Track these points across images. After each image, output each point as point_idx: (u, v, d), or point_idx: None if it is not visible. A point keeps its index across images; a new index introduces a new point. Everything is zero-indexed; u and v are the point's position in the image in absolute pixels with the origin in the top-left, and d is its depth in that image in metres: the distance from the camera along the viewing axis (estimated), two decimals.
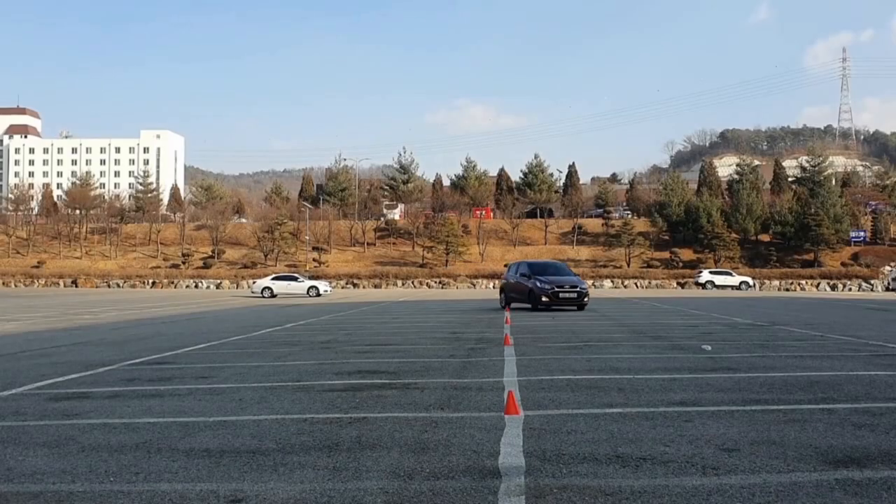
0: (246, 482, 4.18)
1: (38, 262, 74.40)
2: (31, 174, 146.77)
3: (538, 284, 22.40)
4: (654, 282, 64.63)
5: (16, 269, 72.82)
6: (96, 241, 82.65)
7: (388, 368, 9.13)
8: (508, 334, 13.35)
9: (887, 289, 59.85)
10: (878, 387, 7.33)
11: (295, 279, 45.56)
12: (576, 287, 22.52)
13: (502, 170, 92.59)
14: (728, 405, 6.35)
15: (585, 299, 22.56)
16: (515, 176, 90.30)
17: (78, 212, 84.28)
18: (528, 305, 23.00)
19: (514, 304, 24.15)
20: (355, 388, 7.55)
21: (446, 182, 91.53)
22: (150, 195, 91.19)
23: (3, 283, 69.10)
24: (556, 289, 22.15)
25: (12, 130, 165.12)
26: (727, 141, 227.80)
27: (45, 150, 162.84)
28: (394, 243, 79.11)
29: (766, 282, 63.17)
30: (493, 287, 57.35)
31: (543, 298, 21.99)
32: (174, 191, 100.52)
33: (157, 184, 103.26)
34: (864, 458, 4.55)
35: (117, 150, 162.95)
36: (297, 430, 5.53)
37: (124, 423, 5.91)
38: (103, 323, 18.99)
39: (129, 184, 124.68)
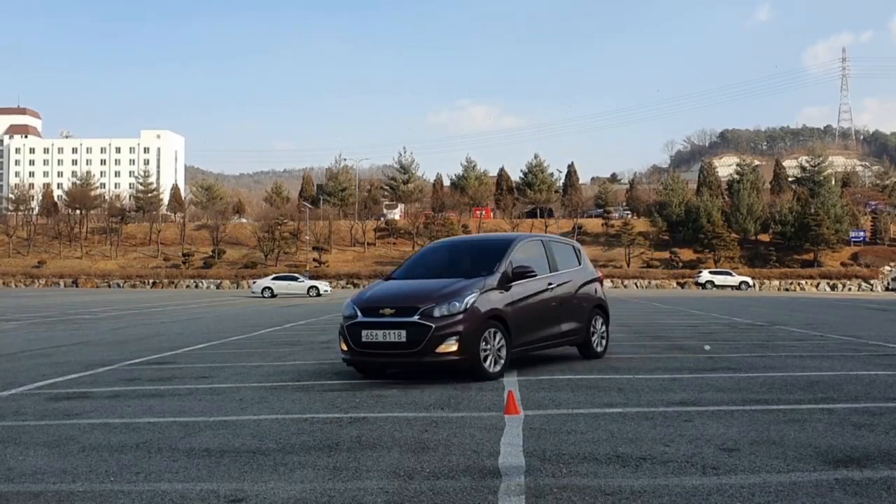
0: (246, 482, 4.18)
1: (39, 262, 74.46)
2: (31, 174, 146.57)
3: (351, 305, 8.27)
4: (653, 282, 64.63)
5: (16, 269, 72.88)
6: (96, 241, 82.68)
7: None
8: None
9: (887, 289, 59.85)
10: (878, 387, 7.33)
11: (295, 279, 45.61)
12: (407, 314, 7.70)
13: (502, 170, 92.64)
14: (728, 405, 6.35)
15: (454, 343, 7.51)
16: (515, 176, 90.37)
17: (78, 212, 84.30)
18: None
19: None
20: (355, 388, 7.56)
21: (446, 182, 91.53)
22: (150, 195, 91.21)
23: (4, 283, 69.12)
24: (364, 319, 7.90)
25: (12, 130, 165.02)
26: (727, 141, 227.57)
27: (46, 150, 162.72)
28: (394, 243, 79.09)
29: (766, 282, 63.19)
30: None
31: (342, 346, 8.25)
32: (174, 191, 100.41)
33: (158, 184, 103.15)
34: (864, 458, 4.54)
35: (117, 150, 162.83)
36: (297, 429, 5.53)
37: (124, 422, 5.91)
38: (103, 323, 18.99)
39: (130, 184, 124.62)
